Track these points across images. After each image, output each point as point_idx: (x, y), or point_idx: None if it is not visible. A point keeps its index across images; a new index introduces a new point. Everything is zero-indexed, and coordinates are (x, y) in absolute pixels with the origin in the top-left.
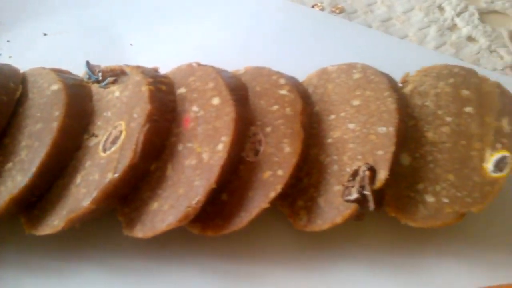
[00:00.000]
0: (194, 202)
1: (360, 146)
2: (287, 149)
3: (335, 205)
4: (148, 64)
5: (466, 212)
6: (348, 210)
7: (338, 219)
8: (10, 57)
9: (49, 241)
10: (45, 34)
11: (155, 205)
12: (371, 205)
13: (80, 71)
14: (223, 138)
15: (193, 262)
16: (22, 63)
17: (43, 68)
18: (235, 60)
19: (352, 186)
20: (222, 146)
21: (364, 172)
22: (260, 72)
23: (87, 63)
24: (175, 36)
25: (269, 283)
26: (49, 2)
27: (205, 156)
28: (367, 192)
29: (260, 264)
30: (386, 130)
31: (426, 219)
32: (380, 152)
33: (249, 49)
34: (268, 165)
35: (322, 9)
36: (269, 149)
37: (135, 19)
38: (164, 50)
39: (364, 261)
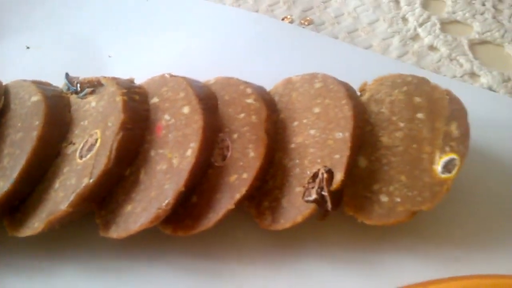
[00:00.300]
0: (164, 204)
1: (319, 150)
2: (252, 154)
3: (296, 205)
4: (126, 74)
5: (417, 211)
6: (308, 210)
7: (299, 218)
8: None
9: (31, 243)
10: (27, 47)
11: (129, 208)
12: (329, 205)
13: (60, 83)
14: (192, 144)
15: (166, 261)
16: (6, 76)
17: (24, 80)
18: (207, 70)
19: (312, 188)
20: (190, 152)
21: (322, 175)
22: (229, 82)
23: (66, 75)
24: (151, 48)
25: (238, 279)
26: (31, 17)
27: (175, 161)
28: (325, 193)
29: (229, 262)
30: (343, 135)
31: (380, 217)
32: (337, 156)
33: (220, 60)
34: (234, 169)
35: (292, 22)
36: (235, 154)
37: (113, 32)
38: (141, 61)
39: (326, 257)
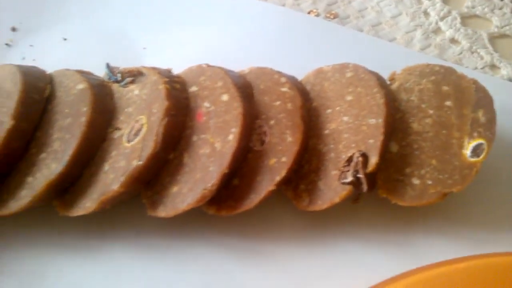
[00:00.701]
0: (209, 185)
1: (353, 136)
2: (290, 139)
3: (333, 187)
4: (160, 65)
5: (448, 192)
6: (344, 191)
7: (336, 199)
8: (33, 60)
9: (79, 222)
10: (64, 39)
11: (175, 189)
12: (364, 187)
13: (98, 73)
14: (233, 130)
15: (209, 240)
16: (45, 66)
17: (68, 69)
18: (238, 61)
19: (348, 171)
20: (232, 136)
21: (357, 158)
22: (263, 72)
23: (107, 65)
24: (183, 40)
25: (276, 257)
26: (67, 9)
27: (217, 145)
28: (360, 175)
29: (268, 241)
30: (376, 121)
31: (413, 199)
32: (371, 141)
33: (251, 51)
34: (273, 153)
35: (318, 15)
36: (273, 139)
37: (147, 25)
38: (173, 53)
39: (360, 238)
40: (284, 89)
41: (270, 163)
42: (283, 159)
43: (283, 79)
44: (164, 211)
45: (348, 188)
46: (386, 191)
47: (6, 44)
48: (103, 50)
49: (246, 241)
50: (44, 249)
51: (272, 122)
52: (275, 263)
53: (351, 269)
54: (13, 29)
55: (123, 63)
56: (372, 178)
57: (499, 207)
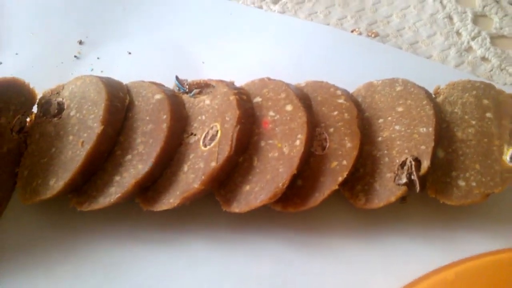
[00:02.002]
0: (280, 184)
1: (406, 142)
2: (349, 144)
3: (388, 187)
4: (217, 77)
5: (490, 193)
6: (399, 191)
7: (392, 198)
8: (101, 71)
9: (158, 218)
10: (129, 53)
11: (247, 188)
12: (417, 188)
13: (165, 84)
14: (299, 136)
15: (274, 233)
16: (112, 77)
17: (143, 81)
18: (289, 75)
19: (402, 173)
20: (299, 142)
21: (411, 162)
22: (320, 85)
23: (177, 77)
24: (238, 54)
25: (334, 250)
26: (130, 24)
27: (285, 149)
28: (414, 178)
29: (326, 235)
30: (426, 130)
31: (459, 198)
32: (423, 147)
33: (301, 67)
34: (334, 157)
35: (360, 34)
36: (333, 145)
37: (205, 40)
38: (230, 66)
39: (408, 233)
40: (340, 101)
41: (332, 166)
42: (344, 162)
43: (338, 92)
44: (238, 207)
45: (403, 188)
46: (435, 192)
47: (75, 57)
48: (164, 63)
49: (308, 235)
50: (126, 242)
51: (331, 130)
52: (333, 255)
53: (401, 260)
54: (80, 42)
55: (184, 76)
56: (423, 180)
57: None
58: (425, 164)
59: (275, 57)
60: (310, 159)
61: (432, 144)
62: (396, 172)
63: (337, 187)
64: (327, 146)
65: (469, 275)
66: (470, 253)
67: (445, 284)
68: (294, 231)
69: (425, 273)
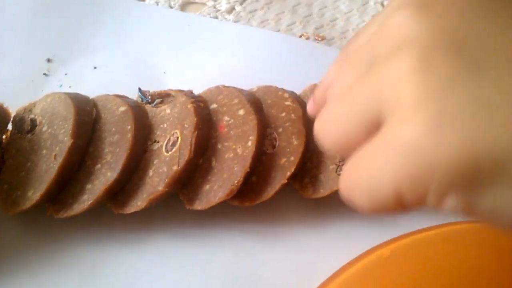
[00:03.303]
0: (235, 182)
1: None
2: (295, 142)
3: (331, 178)
4: (179, 86)
5: None
6: None
7: (335, 187)
8: (70, 87)
9: (128, 219)
10: (95, 67)
11: (207, 187)
12: None
13: (129, 95)
14: (251, 137)
15: (234, 226)
16: (80, 92)
17: (108, 94)
18: (245, 80)
19: (342, 164)
20: (250, 143)
21: None
22: (269, 89)
23: (139, 89)
24: (197, 64)
25: (288, 237)
26: (95, 40)
27: (239, 150)
28: None
29: (280, 224)
30: None
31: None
32: None
33: (255, 73)
34: (283, 154)
35: (308, 38)
36: (282, 143)
37: (166, 52)
38: (190, 76)
39: (351, 217)
40: (287, 103)
41: (281, 162)
42: (292, 158)
43: (286, 95)
44: (200, 205)
45: None
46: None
47: (44, 74)
48: (128, 75)
49: (263, 226)
50: (100, 243)
51: (280, 130)
52: (286, 241)
53: (344, 242)
54: (49, 60)
55: (147, 86)
56: None
57: None
58: None
59: (231, 64)
60: (262, 158)
61: None
62: (338, 163)
63: (286, 181)
64: (277, 144)
65: (404, 251)
66: (405, 230)
67: (380, 261)
68: (252, 223)
69: (363, 252)
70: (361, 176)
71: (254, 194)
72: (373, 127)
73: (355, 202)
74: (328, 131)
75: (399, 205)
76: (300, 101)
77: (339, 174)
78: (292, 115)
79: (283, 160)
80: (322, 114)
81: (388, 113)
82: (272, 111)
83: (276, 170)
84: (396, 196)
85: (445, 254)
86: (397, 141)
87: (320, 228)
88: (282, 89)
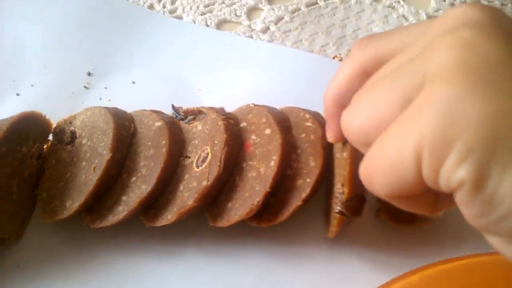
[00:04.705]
0: (256, 201)
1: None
2: (312, 163)
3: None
4: (213, 104)
5: None
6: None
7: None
8: (109, 100)
9: (159, 233)
10: (133, 82)
11: (229, 205)
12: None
13: (165, 111)
14: (274, 157)
15: (257, 246)
16: (119, 105)
17: (145, 110)
18: (275, 101)
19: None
20: (273, 163)
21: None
22: (291, 110)
23: (173, 106)
24: (232, 82)
25: (309, 259)
26: (134, 56)
27: (262, 170)
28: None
29: (297, 247)
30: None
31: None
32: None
33: (286, 92)
34: (299, 175)
35: (341, 60)
36: (300, 164)
37: (202, 69)
38: (224, 93)
39: (381, 245)
40: (308, 124)
41: (298, 183)
42: (308, 180)
43: (307, 115)
44: (221, 222)
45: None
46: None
47: (85, 87)
48: (165, 92)
49: (280, 246)
50: (132, 254)
51: (299, 151)
52: (309, 263)
53: (368, 266)
54: (89, 74)
55: (182, 102)
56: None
57: None
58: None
59: (264, 83)
60: (281, 179)
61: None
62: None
63: (301, 203)
64: (295, 166)
65: (433, 279)
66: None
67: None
68: (273, 243)
69: (390, 279)
70: (384, 150)
71: (271, 215)
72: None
73: (375, 186)
74: (359, 115)
75: (416, 180)
76: (321, 122)
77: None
78: (312, 136)
79: (300, 181)
80: (352, 104)
81: (429, 80)
82: (293, 132)
83: (292, 192)
84: (416, 162)
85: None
86: (433, 97)
87: (346, 253)
88: (304, 109)
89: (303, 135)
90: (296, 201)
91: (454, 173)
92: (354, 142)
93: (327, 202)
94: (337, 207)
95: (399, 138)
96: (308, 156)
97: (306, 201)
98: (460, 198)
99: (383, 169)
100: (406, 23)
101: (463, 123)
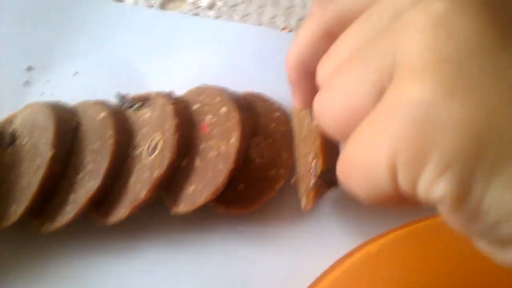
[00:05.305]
0: (221, 179)
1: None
2: (285, 155)
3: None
4: (162, 88)
5: None
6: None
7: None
8: (52, 94)
9: (113, 228)
10: (76, 73)
11: (191, 188)
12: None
13: (111, 100)
14: (234, 133)
15: (222, 231)
16: (63, 98)
17: (88, 101)
18: (228, 78)
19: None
20: (234, 139)
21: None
22: (258, 97)
23: (118, 93)
24: (181, 64)
25: (277, 240)
26: (76, 46)
27: (222, 148)
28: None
29: (269, 227)
30: None
31: None
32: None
33: (238, 69)
34: (272, 166)
35: (291, 30)
36: (271, 154)
37: (148, 53)
38: (173, 76)
39: (332, 217)
40: (277, 114)
41: (270, 174)
42: (281, 171)
43: (275, 106)
44: (185, 207)
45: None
46: None
47: (26, 82)
48: (111, 79)
49: (251, 229)
50: (88, 255)
51: (270, 140)
52: (275, 244)
53: (335, 240)
54: (29, 68)
55: (131, 89)
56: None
57: None
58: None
59: (214, 62)
60: (250, 166)
61: None
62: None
63: (275, 193)
64: (266, 155)
65: (392, 246)
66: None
67: (369, 257)
68: (239, 227)
69: (350, 250)
70: (358, 153)
71: (241, 203)
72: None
73: (353, 189)
74: (331, 105)
75: (393, 189)
76: (288, 114)
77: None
78: (282, 127)
79: (272, 171)
80: (324, 88)
81: (398, 74)
82: (262, 119)
83: (265, 181)
84: (391, 173)
85: (432, 246)
86: (402, 100)
87: (308, 229)
88: (271, 98)
89: (273, 124)
90: (270, 192)
91: (432, 188)
92: (330, 133)
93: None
94: (312, 180)
95: (371, 144)
96: (280, 147)
97: (278, 190)
98: (443, 211)
99: (358, 172)
100: None
101: (438, 132)
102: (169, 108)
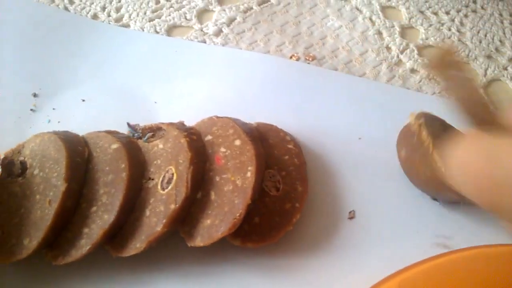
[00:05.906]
0: (238, 214)
1: None
2: (300, 188)
3: None
4: (170, 116)
5: None
6: None
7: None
8: (58, 122)
9: (128, 261)
10: (83, 100)
11: (208, 222)
12: None
13: (119, 130)
14: (250, 168)
15: (238, 264)
16: (69, 126)
17: (99, 131)
18: (237, 107)
19: None
20: (250, 173)
21: None
22: (270, 128)
23: (128, 124)
24: (188, 91)
25: (294, 275)
26: (82, 72)
27: (238, 182)
28: None
29: (286, 261)
30: None
31: None
32: None
33: (246, 98)
34: (287, 199)
35: (298, 59)
36: (286, 187)
37: (157, 81)
38: (181, 104)
39: (361, 249)
40: (290, 146)
41: (286, 207)
42: (297, 204)
43: (288, 137)
44: (202, 241)
45: None
46: None
47: (31, 110)
48: (118, 107)
49: (267, 263)
50: (103, 286)
51: (283, 173)
52: (292, 279)
53: (354, 274)
54: (35, 95)
55: (138, 117)
56: None
57: None
58: None
59: (222, 90)
60: (265, 199)
61: None
62: None
63: (291, 227)
64: (281, 188)
65: (412, 282)
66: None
67: None
68: (256, 261)
69: (370, 286)
70: None
71: (257, 237)
72: None
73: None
74: None
75: None
76: (300, 146)
77: None
78: (295, 160)
79: (288, 205)
80: None
81: None
82: (275, 152)
83: (281, 215)
84: None
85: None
86: None
87: (323, 262)
88: (283, 130)
89: (286, 156)
90: (286, 225)
91: None
92: None
93: None
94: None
95: None
96: (295, 180)
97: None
98: None
99: None
100: (359, 16)
101: None
102: (183, 141)
